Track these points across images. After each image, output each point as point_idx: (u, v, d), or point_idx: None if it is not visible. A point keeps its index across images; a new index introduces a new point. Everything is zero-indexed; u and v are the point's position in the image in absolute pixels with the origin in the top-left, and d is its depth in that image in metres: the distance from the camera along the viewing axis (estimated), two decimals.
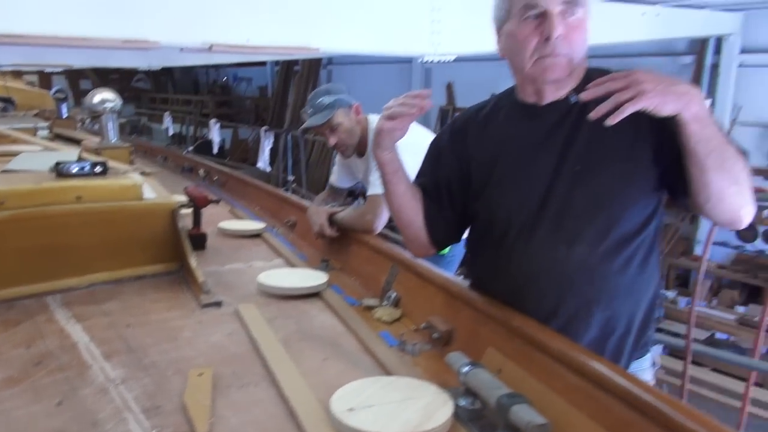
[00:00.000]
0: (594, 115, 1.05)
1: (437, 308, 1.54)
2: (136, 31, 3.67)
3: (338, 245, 2.27)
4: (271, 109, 12.33)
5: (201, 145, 8.78)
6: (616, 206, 1.25)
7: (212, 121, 7.11)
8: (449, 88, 10.99)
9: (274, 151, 6.50)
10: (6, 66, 4.37)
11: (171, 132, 8.81)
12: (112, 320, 1.68)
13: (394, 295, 1.74)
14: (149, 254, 2.04)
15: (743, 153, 1.17)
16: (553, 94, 1.30)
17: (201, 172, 4.24)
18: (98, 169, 2.04)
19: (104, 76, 12.67)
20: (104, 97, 2.61)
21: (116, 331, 1.60)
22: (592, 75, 1.26)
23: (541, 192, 1.29)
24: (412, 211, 1.48)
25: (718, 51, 7.63)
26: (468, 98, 10.67)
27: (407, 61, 11.00)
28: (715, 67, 7.67)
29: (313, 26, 4.35)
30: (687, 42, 7.92)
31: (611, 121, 1.03)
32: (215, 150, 7.02)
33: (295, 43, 4.31)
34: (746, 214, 1.18)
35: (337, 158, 2.70)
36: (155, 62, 9.03)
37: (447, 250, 2.38)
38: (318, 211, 2.35)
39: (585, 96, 1.08)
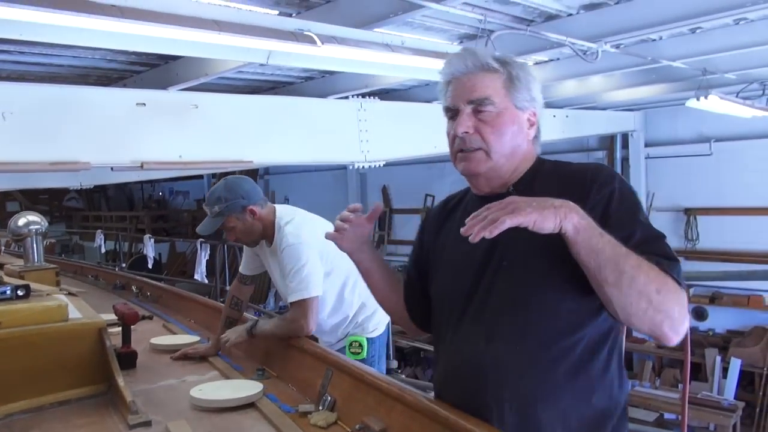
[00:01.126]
0: (464, 231, 1.05)
1: (371, 408, 1.55)
2: (64, 153, 3.72)
3: (274, 353, 2.26)
4: None
5: (136, 261, 8.59)
6: (535, 305, 1.20)
7: (146, 237, 7.05)
8: (384, 190, 11.38)
9: (211, 263, 6.46)
10: None
11: (104, 250, 8.62)
12: None
13: (329, 398, 1.73)
14: (74, 377, 1.96)
15: (671, 263, 1.11)
16: (488, 186, 1.31)
17: (134, 288, 4.15)
18: (20, 292, 1.99)
19: (33, 197, 12.41)
20: (29, 219, 2.59)
21: None
22: (541, 167, 1.32)
23: (468, 284, 1.29)
24: (391, 301, 1.55)
25: (625, 145, 8.35)
26: (403, 200, 11.06)
27: (342, 168, 11.39)
28: (625, 160, 8.36)
29: (246, 140, 4.53)
30: (597, 139, 8.65)
31: (488, 233, 1.02)
32: (150, 265, 6.91)
33: (228, 157, 4.47)
34: (670, 331, 1.07)
35: (245, 247, 2.66)
36: (86, 181, 8.97)
37: None
38: (236, 329, 2.36)
39: (464, 231, 1.06)
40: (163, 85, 4.34)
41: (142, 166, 4.00)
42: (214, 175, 12.98)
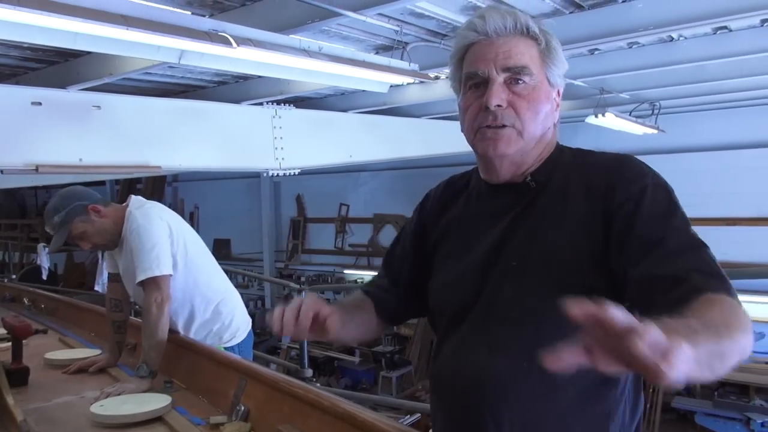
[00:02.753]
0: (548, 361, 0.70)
1: (287, 416, 1.53)
2: None
3: (182, 363, 2.17)
4: None
5: (29, 273, 7.96)
6: (548, 317, 0.90)
7: (41, 246, 6.55)
8: (299, 199, 11.27)
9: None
10: None
11: None
12: None
13: (242, 408, 1.69)
14: None
15: (723, 283, 0.88)
16: (509, 173, 1.11)
17: (26, 300, 3.84)
18: None
19: None
20: None
21: None
22: (561, 156, 1.13)
23: (471, 285, 1.10)
24: (369, 332, 1.29)
25: None
26: (317, 209, 11.01)
27: (256, 176, 11.17)
28: None
29: (153, 144, 4.34)
30: None
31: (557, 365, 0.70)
32: (45, 276, 6.42)
33: (133, 162, 4.27)
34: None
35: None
36: None
37: None
38: (130, 383, 2.09)
39: (572, 313, 0.69)
40: (62, 84, 4.07)
41: (37, 170, 3.73)
42: (117, 182, 12.32)
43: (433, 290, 1.20)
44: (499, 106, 1.05)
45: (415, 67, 2.90)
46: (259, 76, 4.90)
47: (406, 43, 3.63)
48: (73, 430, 1.72)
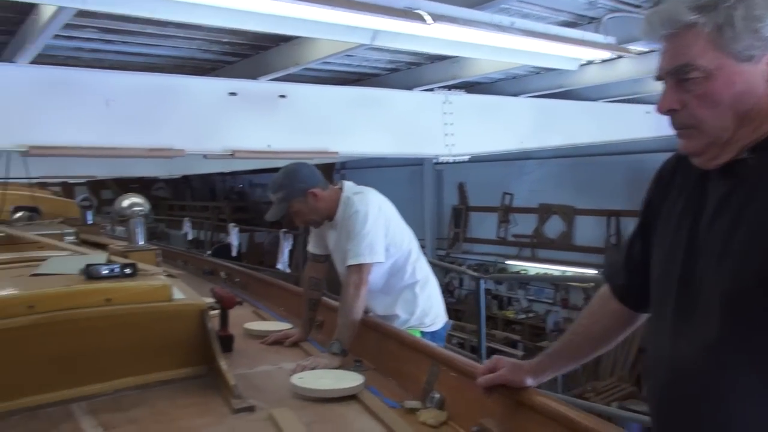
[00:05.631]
0: None
1: (489, 409, 1.44)
2: (161, 140, 3.83)
3: (370, 344, 2.19)
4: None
5: (218, 249, 8.87)
6: (759, 309, 0.90)
7: (231, 225, 7.25)
8: (461, 188, 11.19)
9: (292, 253, 6.54)
10: (34, 178, 4.49)
11: (190, 237, 8.94)
12: (139, 428, 1.58)
13: (437, 396, 1.64)
14: (177, 357, 1.96)
15: None
16: (710, 162, 1.03)
17: (222, 274, 4.22)
18: (128, 270, 2.01)
19: (125, 186, 13.04)
20: (133, 201, 2.65)
21: None
22: None
23: (677, 269, 1.05)
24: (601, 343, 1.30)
25: None
26: (480, 197, 10.83)
27: (419, 163, 11.29)
28: None
29: (332, 131, 4.51)
30: None
31: None
32: (234, 253, 7.09)
33: (314, 148, 4.47)
34: None
35: (312, 228, 2.66)
36: (175, 170, 9.35)
37: None
38: (322, 357, 2.15)
39: None
40: (254, 75, 4.39)
41: (233, 155, 4.06)
42: None
43: (651, 270, 1.14)
44: (672, 110, 1.01)
45: (611, 40, 2.64)
46: (432, 62, 4.89)
47: (593, 18, 3.34)
48: (276, 399, 1.80)
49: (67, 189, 9.49)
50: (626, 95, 5.96)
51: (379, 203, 2.41)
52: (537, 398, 1.31)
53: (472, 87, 5.86)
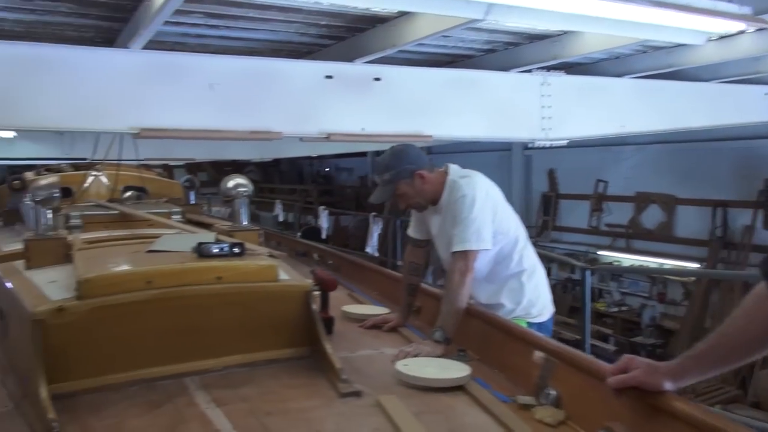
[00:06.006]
0: None
1: (616, 412, 1.33)
2: (260, 123, 3.91)
3: (474, 333, 2.12)
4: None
5: (307, 231, 9.07)
6: None
7: (321, 208, 7.38)
8: (551, 174, 10.80)
9: (381, 237, 6.56)
10: (142, 160, 4.74)
11: (281, 219, 9.20)
12: (251, 407, 1.60)
13: (553, 392, 1.54)
14: (282, 337, 1.98)
15: None
16: None
17: (315, 256, 4.27)
18: (236, 249, 2.04)
19: (219, 168, 13.62)
20: (238, 182, 2.70)
21: (257, 419, 1.51)
22: None
23: None
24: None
25: None
26: (571, 184, 10.40)
27: (507, 149, 10.99)
28: None
29: (426, 114, 4.43)
30: None
31: None
32: (323, 235, 7.22)
33: (408, 131, 4.41)
34: None
35: (413, 212, 2.59)
36: (267, 154, 9.63)
37: None
38: (425, 345, 2.11)
39: None
40: (349, 58, 4.38)
41: (328, 138, 4.08)
42: (377, 153, 13.29)
43: None
44: None
45: (746, 10, 2.38)
46: (531, 41, 4.68)
47: None
48: (381, 384, 1.77)
49: (167, 171, 10.03)
50: (744, 75, 5.48)
51: (486, 188, 2.32)
52: (677, 404, 1.19)
53: (571, 68, 5.57)
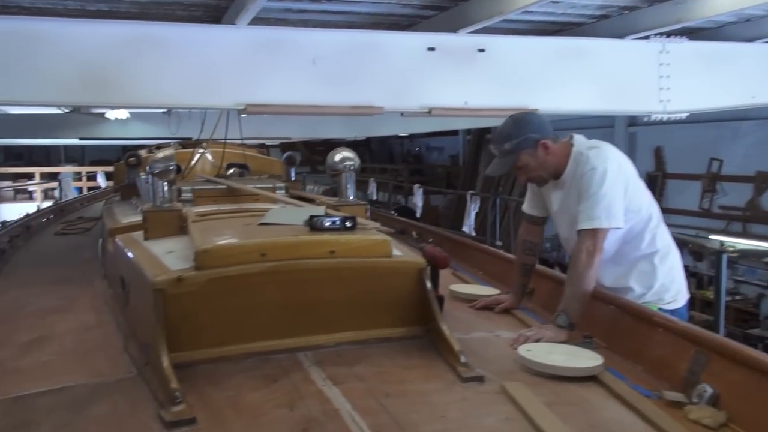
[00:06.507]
0: None
1: None
2: (361, 97, 3.84)
3: (601, 319, 1.94)
4: (462, 176, 12.41)
5: (400, 210, 9.06)
6: None
7: (416, 187, 7.31)
8: (658, 152, 10.08)
9: (478, 216, 6.38)
10: (246, 139, 4.84)
11: (374, 197, 9.25)
12: (368, 386, 1.53)
13: (709, 390, 1.36)
14: (394, 315, 1.90)
15: None
16: None
17: (413, 234, 4.19)
18: (348, 224, 1.98)
19: (312, 148, 13.87)
20: (344, 155, 2.64)
21: (376, 401, 1.44)
22: None
23: None
24: None
25: None
26: (680, 163, 9.67)
27: (609, 126, 10.37)
28: None
29: (532, 87, 4.19)
30: None
31: None
32: (418, 214, 7.15)
33: (512, 105, 4.18)
34: None
35: (529, 186, 2.41)
36: (360, 132, 9.66)
37: None
38: (546, 330, 1.96)
39: None
40: (452, 29, 4.21)
41: (430, 112, 3.95)
42: (469, 132, 13.00)
43: None
44: None
45: None
46: (650, 5, 4.30)
47: None
48: (502, 370, 1.65)
49: (264, 150, 10.32)
50: None
51: (618, 160, 2.12)
52: None
53: (693, 33, 5.09)
